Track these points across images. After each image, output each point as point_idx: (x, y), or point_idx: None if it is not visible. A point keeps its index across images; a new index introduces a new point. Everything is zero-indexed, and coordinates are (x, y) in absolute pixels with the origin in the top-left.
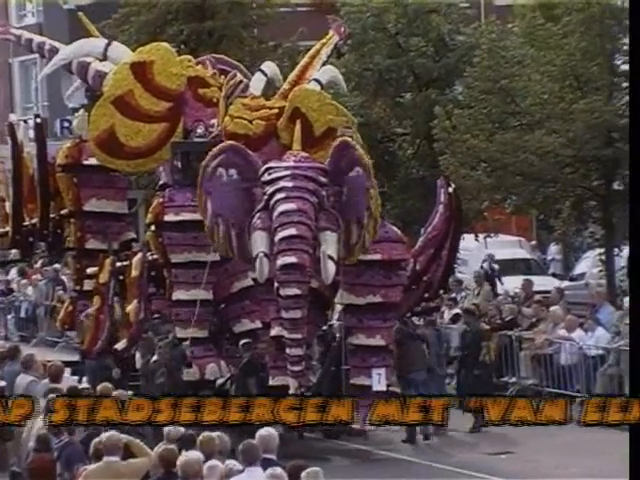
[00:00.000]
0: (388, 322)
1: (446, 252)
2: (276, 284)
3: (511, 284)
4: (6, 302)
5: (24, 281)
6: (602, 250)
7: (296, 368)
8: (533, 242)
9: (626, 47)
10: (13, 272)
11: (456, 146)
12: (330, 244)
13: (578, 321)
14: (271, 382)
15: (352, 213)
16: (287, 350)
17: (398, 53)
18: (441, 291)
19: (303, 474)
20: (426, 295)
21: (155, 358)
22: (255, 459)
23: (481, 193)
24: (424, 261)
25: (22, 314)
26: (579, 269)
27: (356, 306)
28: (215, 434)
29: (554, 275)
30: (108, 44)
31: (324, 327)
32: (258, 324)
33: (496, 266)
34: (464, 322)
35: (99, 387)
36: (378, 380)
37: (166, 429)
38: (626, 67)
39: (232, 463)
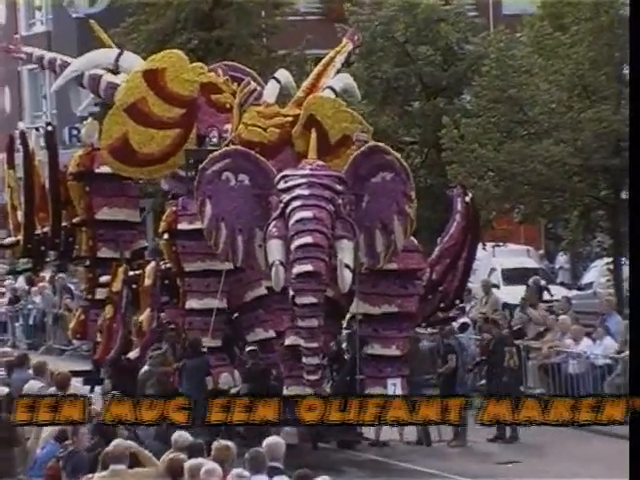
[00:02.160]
0: (404, 332)
1: (462, 262)
2: (292, 292)
3: (518, 293)
4: (14, 310)
5: (33, 289)
6: (610, 259)
7: (312, 377)
8: (541, 251)
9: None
10: (21, 280)
11: (464, 155)
12: (346, 252)
13: (584, 331)
14: (286, 391)
15: (376, 219)
16: (303, 359)
17: (406, 62)
18: (457, 301)
19: None
20: (442, 305)
21: (146, 369)
22: (262, 467)
23: (489, 202)
24: (440, 271)
25: (30, 322)
26: (587, 278)
27: (372, 315)
28: (225, 443)
29: (562, 284)
30: (119, 54)
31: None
32: (272, 333)
33: (543, 282)
34: (485, 331)
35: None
36: (393, 390)
37: (174, 437)
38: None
39: (240, 471)
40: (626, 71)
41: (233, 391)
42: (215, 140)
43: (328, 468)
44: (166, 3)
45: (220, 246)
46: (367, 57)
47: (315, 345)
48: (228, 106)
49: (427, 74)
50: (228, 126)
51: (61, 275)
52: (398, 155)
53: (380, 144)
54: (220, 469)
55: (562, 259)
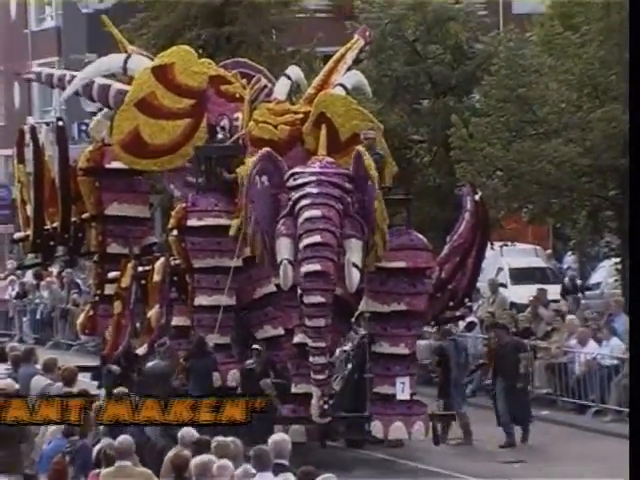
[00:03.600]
0: (412, 330)
1: (472, 260)
2: (300, 292)
3: (526, 293)
4: (22, 305)
5: (41, 283)
6: (618, 260)
7: (319, 376)
8: (549, 251)
9: None
10: (29, 275)
11: (473, 154)
12: (355, 251)
13: (590, 333)
14: (294, 390)
15: (372, 221)
16: (310, 358)
17: (416, 60)
18: (466, 300)
19: None
20: (451, 304)
21: (163, 363)
22: (267, 465)
23: (498, 202)
24: (449, 269)
25: (37, 317)
26: (595, 278)
27: (380, 314)
28: (229, 439)
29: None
30: (127, 57)
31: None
32: (281, 331)
33: (579, 282)
34: (495, 336)
35: (115, 391)
36: (402, 389)
37: (180, 433)
38: None
39: (246, 467)
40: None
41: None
42: (225, 125)
43: (336, 467)
44: None
45: (258, 250)
46: (377, 55)
47: (322, 344)
48: (238, 96)
49: (436, 73)
50: (238, 114)
51: (69, 270)
52: (370, 162)
53: (360, 149)
54: (232, 466)
55: (570, 259)
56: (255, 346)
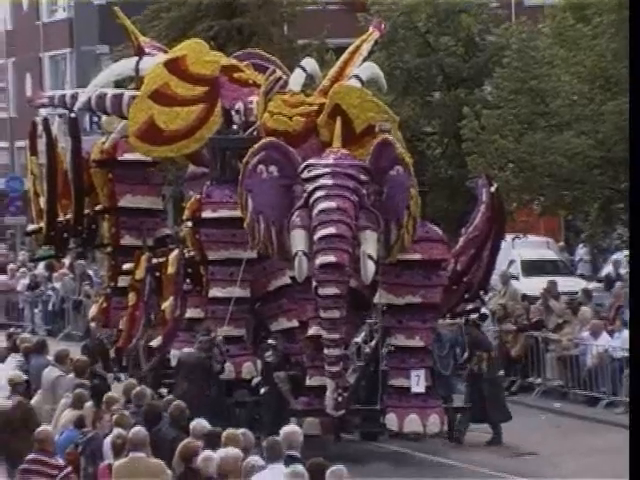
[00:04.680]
0: (428, 323)
1: (487, 253)
2: (315, 283)
3: (538, 285)
4: (33, 296)
5: (54, 275)
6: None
7: (334, 369)
8: (561, 243)
9: None
10: (41, 266)
11: (484, 146)
12: (370, 243)
13: (603, 325)
14: (308, 382)
15: (392, 212)
16: (325, 350)
17: (428, 52)
18: (481, 292)
19: (328, 472)
20: (466, 296)
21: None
22: (279, 456)
23: (509, 194)
24: (465, 261)
25: (49, 308)
26: (606, 271)
27: (395, 306)
28: (240, 431)
29: (582, 276)
30: (139, 60)
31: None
32: (295, 323)
33: (623, 270)
34: (466, 333)
35: (124, 383)
36: (417, 382)
37: (192, 425)
38: None
39: (255, 459)
40: None
41: (255, 381)
42: (240, 108)
43: (350, 459)
44: None
45: (258, 239)
46: (388, 47)
47: (337, 336)
48: (251, 81)
49: (448, 65)
50: (252, 98)
51: (81, 262)
52: (402, 150)
53: (391, 137)
54: (217, 457)
55: (582, 251)
56: (270, 340)
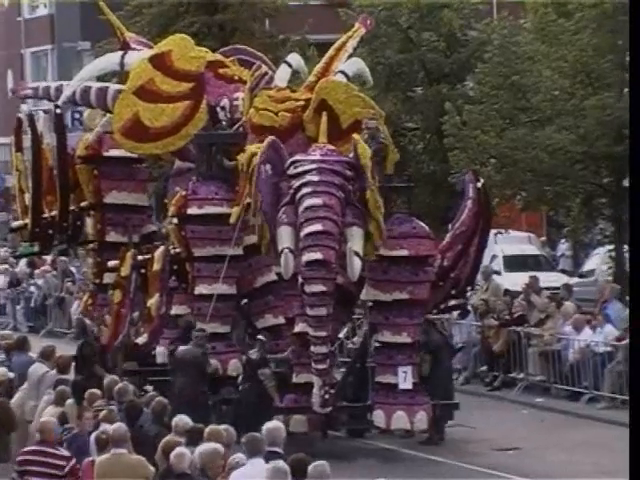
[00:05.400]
0: (415, 319)
1: (474, 248)
2: (301, 280)
3: (520, 280)
4: (15, 293)
5: (36, 271)
6: (612, 247)
7: (320, 366)
8: (543, 238)
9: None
10: (22, 263)
11: (466, 142)
12: (356, 240)
13: (586, 320)
14: (295, 379)
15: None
16: (312, 348)
17: (410, 48)
18: (468, 288)
19: (310, 468)
20: (453, 292)
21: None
22: (258, 451)
23: (491, 189)
24: (452, 257)
25: (32, 305)
26: (588, 266)
27: (382, 303)
28: (222, 427)
29: (563, 271)
30: (124, 54)
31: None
32: (281, 320)
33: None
34: (423, 332)
35: (107, 379)
36: (404, 378)
37: (174, 420)
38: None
39: (239, 456)
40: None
41: (241, 377)
42: (225, 105)
43: (337, 456)
44: None
45: (266, 239)
46: (370, 43)
47: (324, 334)
48: (236, 78)
49: (430, 60)
50: (238, 94)
51: (63, 258)
52: (363, 151)
53: (358, 138)
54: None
55: (564, 246)
56: (259, 337)
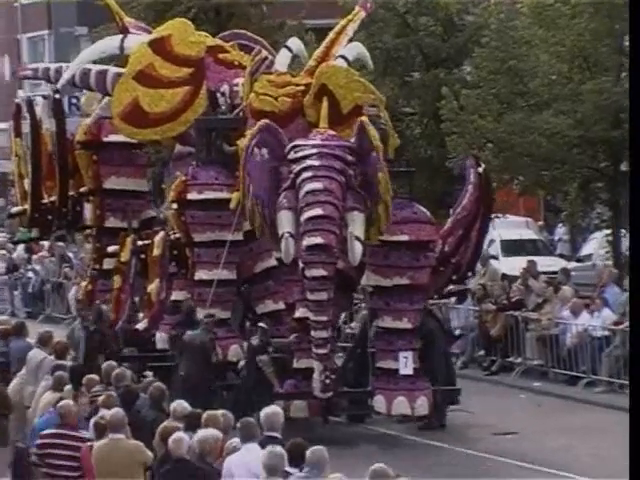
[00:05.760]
0: (415, 304)
1: (475, 233)
2: (302, 265)
3: (517, 264)
4: (13, 278)
5: (34, 257)
6: (609, 231)
7: (321, 351)
8: (540, 223)
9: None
10: (20, 249)
11: (464, 126)
12: (357, 224)
13: (583, 304)
14: (296, 365)
15: (373, 194)
16: (312, 333)
17: (407, 32)
18: (469, 273)
19: (308, 453)
20: (454, 277)
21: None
22: (253, 436)
23: (489, 174)
24: (453, 242)
25: (29, 290)
26: (586, 250)
27: (383, 288)
28: (220, 412)
29: (561, 256)
30: (124, 38)
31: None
32: (281, 305)
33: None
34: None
35: (105, 365)
36: (405, 363)
37: (172, 406)
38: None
39: (236, 441)
40: (627, 42)
41: (242, 363)
42: (225, 90)
43: (338, 442)
44: None
45: (257, 222)
46: (367, 27)
47: (324, 318)
48: (236, 63)
49: (427, 45)
50: (238, 80)
51: (60, 244)
52: (374, 133)
53: (365, 119)
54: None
55: (561, 231)
56: (261, 324)
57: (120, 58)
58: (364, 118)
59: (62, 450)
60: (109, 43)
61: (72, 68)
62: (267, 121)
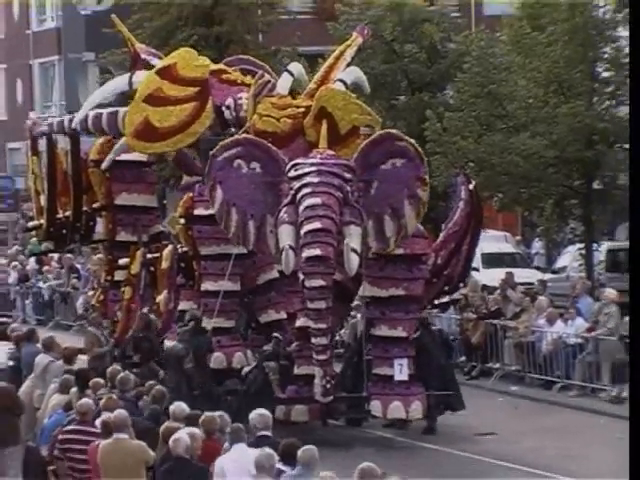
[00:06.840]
0: (410, 314)
1: (466, 247)
2: (301, 276)
3: (497, 276)
4: (24, 288)
5: (45, 268)
6: (582, 245)
7: (321, 357)
8: (518, 237)
9: (607, 55)
10: (31, 261)
11: (446, 147)
12: (354, 237)
13: (558, 313)
14: (297, 371)
15: (385, 205)
16: (313, 339)
17: (393, 59)
18: (460, 284)
19: (299, 452)
20: (446, 288)
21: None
22: (242, 439)
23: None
24: (445, 255)
25: (40, 299)
26: (561, 263)
27: (379, 298)
28: (217, 414)
29: (537, 268)
30: (132, 75)
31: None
32: (283, 315)
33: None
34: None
35: (109, 369)
36: (400, 370)
37: (171, 408)
38: (606, 74)
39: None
40: (599, 69)
41: (246, 370)
42: (230, 104)
43: (336, 444)
44: (169, 1)
45: (231, 230)
46: (357, 54)
47: (324, 326)
48: (239, 81)
49: (412, 71)
50: (242, 94)
51: (68, 256)
52: (412, 141)
53: (393, 131)
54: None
55: (538, 245)
56: (276, 334)
57: (129, 95)
58: (384, 131)
59: (82, 445)
60: (119, 81)
61: (84, 109)
62: (246, 135)
